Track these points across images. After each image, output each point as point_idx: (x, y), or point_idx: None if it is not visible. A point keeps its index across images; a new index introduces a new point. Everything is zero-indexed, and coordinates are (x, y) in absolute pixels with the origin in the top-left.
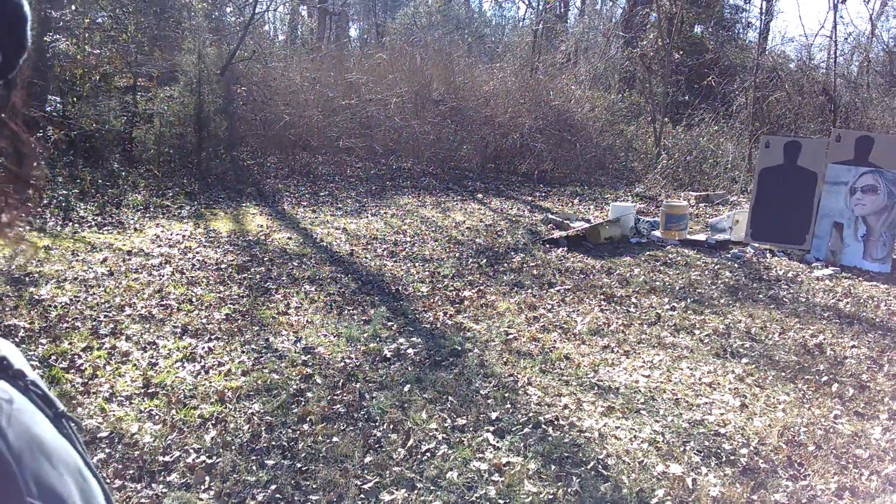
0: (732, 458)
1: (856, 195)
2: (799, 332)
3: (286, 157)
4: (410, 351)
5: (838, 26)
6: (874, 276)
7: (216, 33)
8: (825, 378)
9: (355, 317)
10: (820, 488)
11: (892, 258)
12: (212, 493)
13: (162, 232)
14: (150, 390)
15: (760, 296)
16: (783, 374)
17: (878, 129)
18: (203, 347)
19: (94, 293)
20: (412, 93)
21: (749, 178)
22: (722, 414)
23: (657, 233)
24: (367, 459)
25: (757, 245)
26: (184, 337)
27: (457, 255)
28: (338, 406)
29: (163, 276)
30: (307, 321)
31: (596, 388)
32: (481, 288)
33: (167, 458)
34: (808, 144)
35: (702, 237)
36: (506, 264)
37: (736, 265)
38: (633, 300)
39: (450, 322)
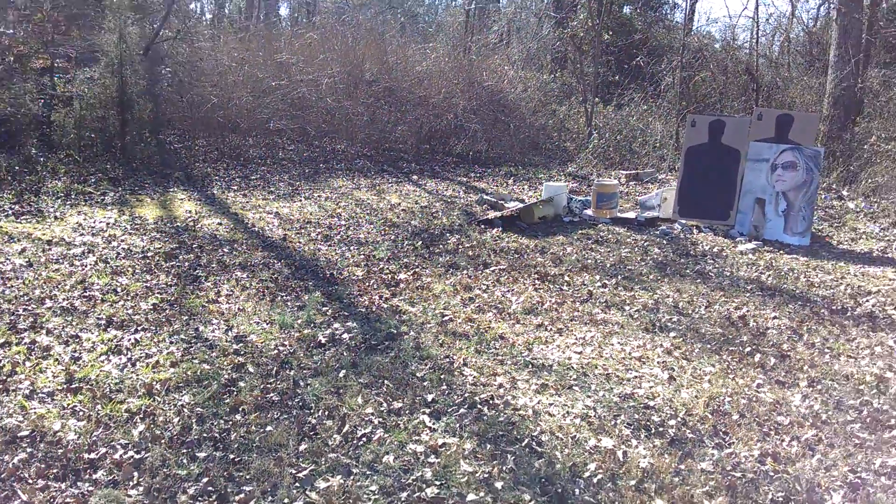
0: (661, 429)
1: (777, 171)
2: (724, 305)
3: (215, 140)
4: (345, 336)
5: (760, 7)
6: (794, 249)
7: (138, 11)
8: (748, 349)
9: (289, 303)
10: (744, 455)
11: (811, 232)
12: (140, 489)
13: (84, 220)
14: (73, 386)
15: (688, 271)
16: (709, 346)
17: (798, 107)
18: (129, 339)
19: (12, 286)
20: (344, 73)
21: (676, 157)
22: (651, 387)
23: (589, 211)
24: (302, 447)
25: (684, 221)
26: (109, 329)
27: (392, 237)
28: (271, 394)
29: (85, 266)
30: (239, 309)
31: (530, 366)
32: (417, 270)
33: (93, 455)
34: (731, 123)
35: (632, 215)
36: (441, 246)
37: (664, 242)
38: (566, 278)
39: (385, 305)
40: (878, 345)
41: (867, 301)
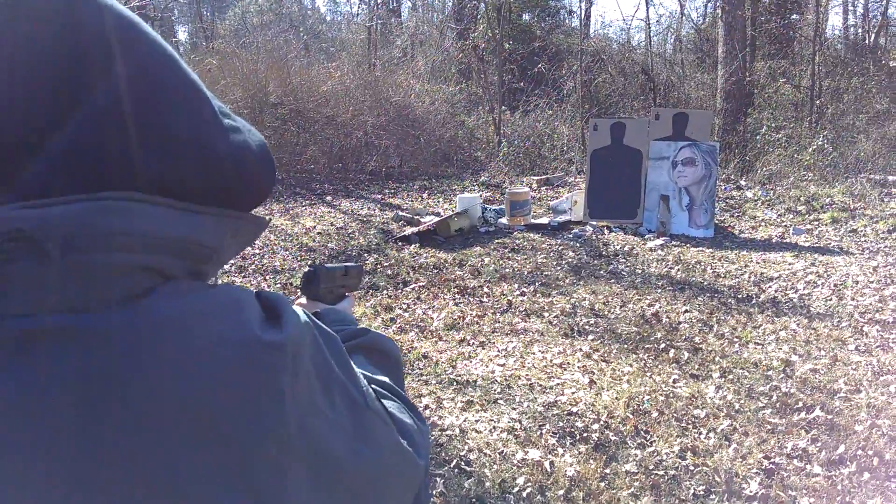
0: (585, 434)
1: (677, 168)
2: (637, 303)
3: None
4: None
5: (651, 8)
6: (700, 241)
7: None
8: (663, 345)
9: None
10: (665, 452)
11: (714, 223)
12: None
13: None
14: None
15: (601, 272)
16: (626, 346)
17: (693, 102)
18: None
19: None
20: (248, 98)
21: (584, 159)
22: (573, 393)
23: (504, 220)
24: None
25: (595, 223)
26: None
27: (309, 262)
28: None
29: None
30: None
31: (455, 383)
32: None
33: None
34: (631, 124)
35: (545, 220)
36: None
37: (578, 244)
38: (486, 290)
39: None
40: (783, 329)
41: (770, 287)
